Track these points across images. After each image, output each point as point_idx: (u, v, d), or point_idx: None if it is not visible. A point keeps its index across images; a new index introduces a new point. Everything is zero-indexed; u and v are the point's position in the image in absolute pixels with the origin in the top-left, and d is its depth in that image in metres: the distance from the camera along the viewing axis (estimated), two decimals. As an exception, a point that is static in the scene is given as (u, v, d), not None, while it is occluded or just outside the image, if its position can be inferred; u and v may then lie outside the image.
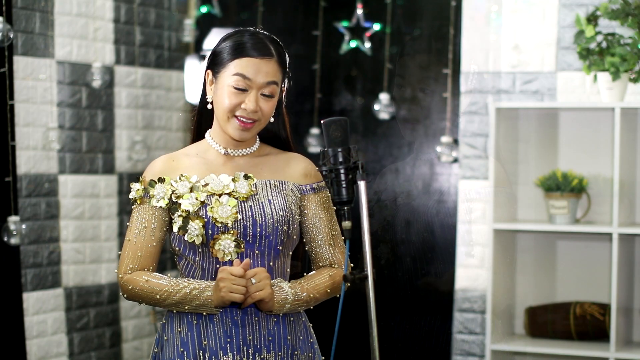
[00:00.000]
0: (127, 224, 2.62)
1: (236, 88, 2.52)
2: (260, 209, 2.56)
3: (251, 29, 2.61)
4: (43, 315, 4.63)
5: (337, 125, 2.45)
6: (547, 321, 4.50)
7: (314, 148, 5.19)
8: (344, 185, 2.43)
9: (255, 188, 2.58)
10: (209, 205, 2.53)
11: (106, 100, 4.97)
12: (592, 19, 4.31)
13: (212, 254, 2.54)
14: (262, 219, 2.55)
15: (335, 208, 2.67)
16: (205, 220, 2.52)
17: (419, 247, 5.13)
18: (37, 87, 4.59)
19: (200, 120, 2.69)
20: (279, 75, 2.57)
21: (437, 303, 5.06)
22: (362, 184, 2.42)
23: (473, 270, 4.81)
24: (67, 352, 4.75)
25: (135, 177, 2.65)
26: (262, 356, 2.56)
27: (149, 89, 5.22)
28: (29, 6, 4.53)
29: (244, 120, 2.54)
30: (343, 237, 2.58)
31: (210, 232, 2.53)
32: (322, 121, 2.48)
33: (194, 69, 5.37)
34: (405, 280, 5.16)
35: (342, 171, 2.43)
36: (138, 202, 2.59)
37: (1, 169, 4.38)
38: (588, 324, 4.43)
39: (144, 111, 5.19)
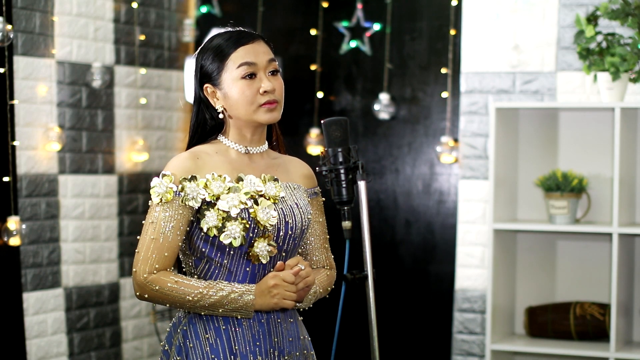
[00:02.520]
0: (151, 220, 2.46)
1: (246, 77, 2.52)
2: (290, 211, 2.55)
3: (221, 30, 2.62)
4: (43, 315, 4.62)
5: (337, 125, 2.45)
6: (547, 321, 4.50)
7: (314, 148, 5.19)
8: (344, 185, 2.44)
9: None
10: (250, 207, 2.48)
11: (106, 100, 4.97)
12: (592, 19, 4.31)
13: (246, 257, 2.50)
14: (293, 221, 2.54)
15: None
16: (249, 222, 2.47)
17: (419, 247, 5.13)
18: (37, 87, 4.59)
19: (199, 138, 2.61)
20: (272, 53, 2.58)
21: (437, 303, 5.06)
22: (362, 184, 2.42)
23: (473, 270, 4.81)
24: (67, 352, 4.75)
25: (157, 172, 2.56)
26: (285, 358, 2.55)
27: (148, 89, 5.22)
28: (29, 6, 4.53)
29: (269, 102, 2.53)
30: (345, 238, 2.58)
31: (250, 234, 2.48)
32: (322, 121, 2.49)
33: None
34: (406, 281, 5.16)
35: (342, 171, 2.44)
36: (167, 198, 2.47)
37: (1, 169, 4.38)
38: (588, 324, 4.43)
39: (144, 111, 5.19)
